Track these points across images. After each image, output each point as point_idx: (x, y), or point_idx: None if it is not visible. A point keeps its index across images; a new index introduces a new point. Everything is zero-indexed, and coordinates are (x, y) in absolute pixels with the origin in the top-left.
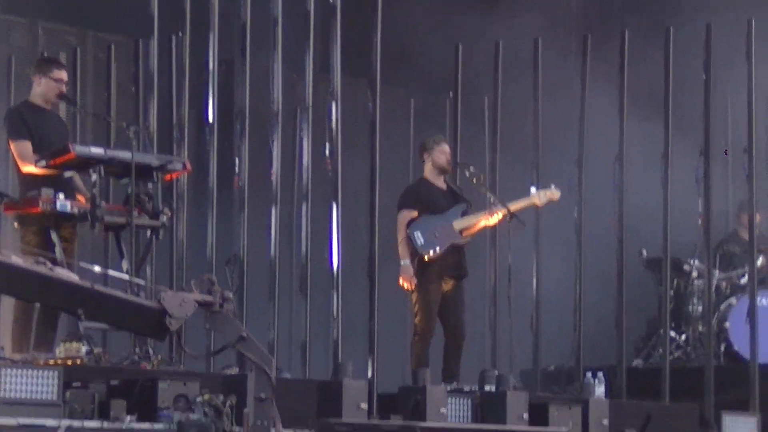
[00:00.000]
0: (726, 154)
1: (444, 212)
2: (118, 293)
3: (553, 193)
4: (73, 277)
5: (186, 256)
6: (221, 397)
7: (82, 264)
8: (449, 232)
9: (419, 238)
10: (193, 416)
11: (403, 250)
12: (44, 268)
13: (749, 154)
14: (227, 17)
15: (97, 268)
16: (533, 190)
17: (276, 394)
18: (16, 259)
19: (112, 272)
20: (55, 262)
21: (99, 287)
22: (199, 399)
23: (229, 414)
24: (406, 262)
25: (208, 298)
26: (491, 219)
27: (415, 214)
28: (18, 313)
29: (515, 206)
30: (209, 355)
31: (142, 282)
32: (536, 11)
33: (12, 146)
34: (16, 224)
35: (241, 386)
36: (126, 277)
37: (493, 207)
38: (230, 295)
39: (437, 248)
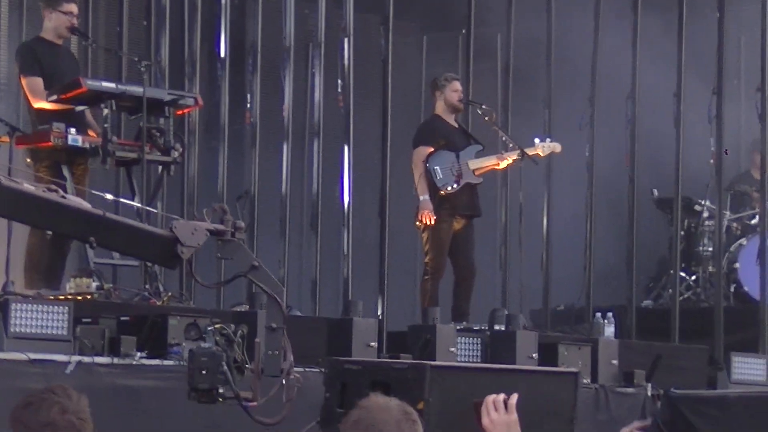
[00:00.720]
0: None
1: (460, 149)
2: (130, 221)
3: (555, 145)
4: (85, 205)
5: (197, 192)
6: (232, 326)
7: (94, 192)
8: (465, 170)
9: (438, 172)
10: (204, 345)
11: (421, 185)
12: (56, 195)
13: (762, 93)
14: None
15: (108, 196)
16: (537, 140)
17: (287, 325)
18: (28, 186)
19: (123, 200)
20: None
21: (110, 215)
22: (210, 328)
23: (240, 344)
24: (425, 197)
25: (219, 226)
26: (502, 163)
27: (431, 149)
28: (30, 249)
29: (516, 156)
30: (220, 284)
31: (154, 210)
32: None
33: (23, 82)
34: (28, 159)
35: (250, 323)
36: (138, 205)
37: (504, 151)
38: (242, 224)
39: (454, 185)
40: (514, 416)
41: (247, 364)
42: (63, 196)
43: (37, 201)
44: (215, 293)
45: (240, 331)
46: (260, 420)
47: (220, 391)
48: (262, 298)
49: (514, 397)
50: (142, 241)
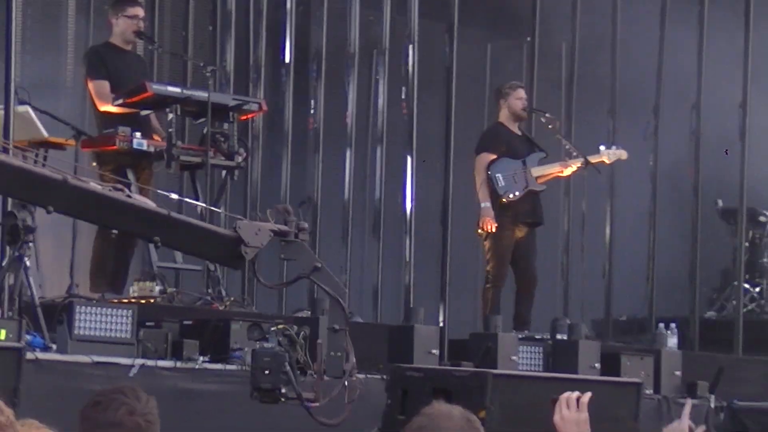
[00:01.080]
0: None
1: (522, 157)
2: (194, 221)
3: (621, 152)
4: (150, 204)
5: (260, 197)
6: (295, 328)
7: (159, 191)
8: (527, 178)
9: (500, 180)
10: (267, 345)
11: (483, 192)
12: (121, 194)
13: None
14: None
15: (174, 196)
16: (602, 148)
17: (350, 327)
18: (95, 185)
19: (188, 200)
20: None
21: (175, 214)
22: (273, 329)
23: (303, 345)
24: (486, 204)
25: (283, 227)
26: (565, 171)
27: (494, 156)
28: (95, 253)
29: (580, 164)
30: (283, 285)
31: (218, 211)
32: None
33: (90, 85)
34: (93, 163)
35: (312, 328)
36: (202, 205)
37: (568, 157)
38: (305, 225)
39: (516, 192)
40: (585, 415)
41: (309, 365)
42: (128, 196)
43: (103, 200)
44: (277, 298)
45: (302, 333)
46: (322, 421)
47: (283, 391)
48: (324, 304)
49: (587, 396)
50: (206, 240)
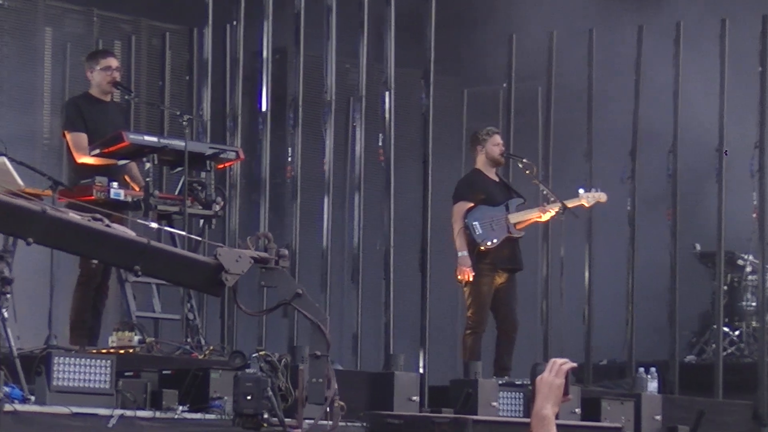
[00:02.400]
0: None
1: (499, 204)
2: (174, 249)
3: (600, 195)
4: (130, 233)
5: (238, 246)
6: (276, 355)
7: (139, 220)
8: (505, 225)
9: (477, 228)
10: (249, 371)
11: (460, 241)
12: (101, 224)
13: None
14: (281, 6)
15: (153, 225)
16: (581, 191)
17: (330, 353)
18: (74, 216)
19: (168, 229)
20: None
21: (155, 243)
22: (254, 355)
23: (284, 372)
24: (464, 253)
25: (263, 254)
26: (544, 216)
27: (471, 204)
28: (76, 304)
29: (558, 209)
30: (264, 312)
31: (198, 238)
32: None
33: (68, 137)
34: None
35: (293, 376)
36: (182, 233)
37: (546, 202)
38: (285, 252)
39: (494, 239)
40: (560, 381)
41: (290, 392)
42: (108, 225)
43: (82, 230)
44: (256, 346)
45: (284, 360)
46: None
47: (265, 416)
48: (304, 351)
49: (568, 365)
50: (186, 268)
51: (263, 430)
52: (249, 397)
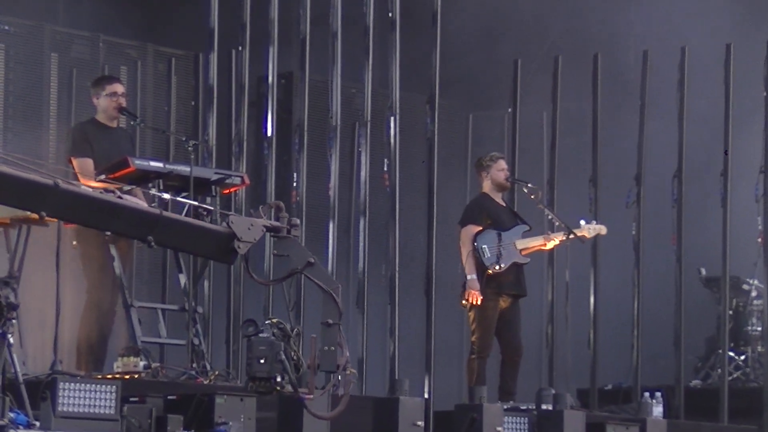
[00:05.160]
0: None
1: (506, 229)
2: (186, 219)
3: (601, 228)
4: (142, 204)
5: (243, 271)
6: (289, 325)
7: (151, 191)
8: (512, 250)
9: (486, 251)
10: (262, 335)
11: (469, 264)
12: (112, 196)
13: None
14: (287, 31)
15: (166, 196)
16: (582, 222)
17: (342, 321)
18: (86, 189)
19: (180, 199)
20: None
21: (167, 213)
22: (267, 322)
23: (296, 341)
24: (473, 276)
25: (276, 223)
26: (549, 244)
27: (480, 228)
28: (84, 329)
29: (562, 237)
30: (276, 281)
31: (209, 207)
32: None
33: (74, 163)
34: (75, 242)
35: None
36: (193, 203)
37: (550, 232)
38: (297, 221)
39: (502, 264)
40: None
41: (302, 362)
42: (119, 197)
43: (94, 202)
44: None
45: (296, 330)
46: (317, 413)
47: (278, 380)
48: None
49: None
50: (199, 237)
51: (276, 395)
52: (262, 361)
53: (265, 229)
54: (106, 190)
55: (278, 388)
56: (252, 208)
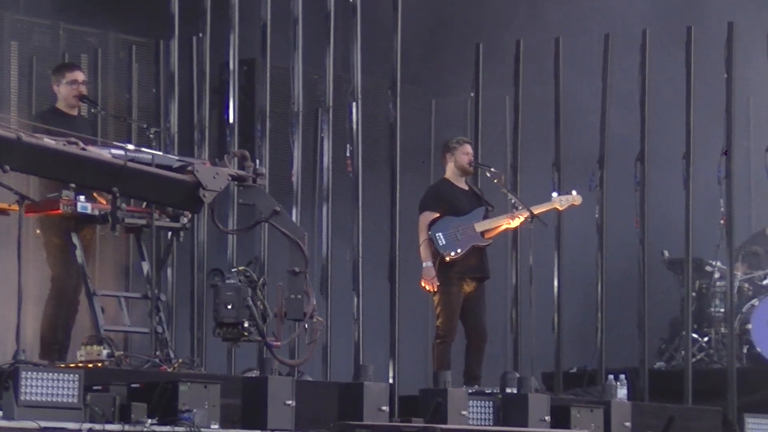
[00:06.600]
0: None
1: (466, 214)
2: (151, 168)
3: (575, 198)
4: (106, 156)
5: (207, 258)
6: (254, 274)
7: (114, 143)
8: (471, 234)
9: (441, 239)
10: (230, 281)
11: (425, 251)
12: (76, 148)
13: None
14: (247, 17)
15: (130, 147)
16: (555, 195)
17: (308, 269)
18: (48, 141)
19: (146, 150)
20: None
21: (131, 164)
22: (234, 270)
23: (262, 290)
24: (428, 263)
25: (241, 172)
26: (513, 222)
27: (437, 215)
28: (47, 318)
29: (537, 210)
30: (241, 230)
31: (176, 158)
32: (557, 6)
33: None
34: (38, 231)
35: (261, 389)
36: (158, 153)
37: (515, 209)
38: (263, 170)
39: (458, 249)
40: None
41: (268, 311)
42: (83, 149)
43: (59, 155)
44: (226, 358)
45: (262, 279)
46: (284, 360)
47: (246, 325)
48: (273, 364)
49: None
50: (164, 186)
51: (243, 341)
52: (229, 306)
53: (230, 178)
54: (69, 143)
55: (245, 334)
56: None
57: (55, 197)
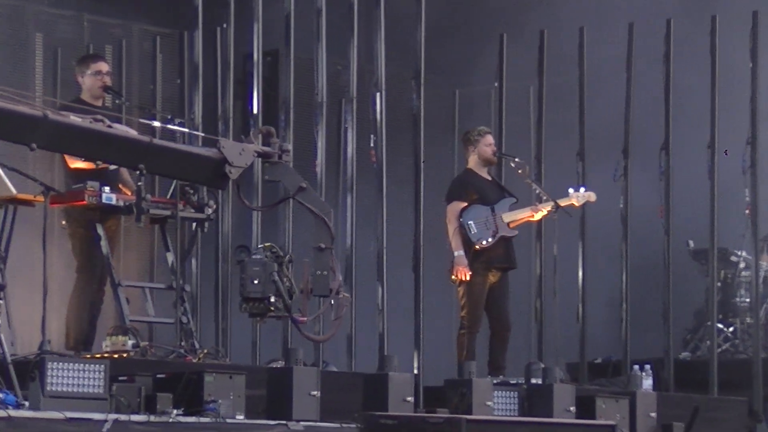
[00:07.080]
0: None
1: (492, 203)
2: (177, 145)
3: (590, 194)
4: (132, 133)
5: (232, 249)
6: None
7: (141, 120)
8: (499, 224)
9: (473, 227)
10: (256, 257)
11: (456, 241)
12: (102, 125)
13: None
14: (271, 8)
15: (156, 124)
16: (571, 191)
17: (335, 245)
18: (75, 119)
19: (171, 126)
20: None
21: (157, 140)
22: (260, 246)
23: (288, 266)
24: (460, 252)
25: (267, 149)
26: (536, 215)
27: (465, 204)
28: (73, 309)
29: (550, 207)
30: (268, 207)
31: (200, 134)
32: None
33: None
34: (63, 222)
35: (286, 380)
36: (184, 130)
37: (539, 201)
38: (288, 147)
39: (489, 239)
40: None
41: (294, 288)
42: (109, 126)
43: (84, 132)
44: (251, 349)
45: (288, 256)
46: (310, 336)
47: (272, 300)
48: (298, 354)
49: None
50: (190, 163)
51: (269, 316)
52: (256, 281)
53: (256, 154)
54: (95, 120)
55: (272, 309)
56: (243, 134)
57: (80, 188)
